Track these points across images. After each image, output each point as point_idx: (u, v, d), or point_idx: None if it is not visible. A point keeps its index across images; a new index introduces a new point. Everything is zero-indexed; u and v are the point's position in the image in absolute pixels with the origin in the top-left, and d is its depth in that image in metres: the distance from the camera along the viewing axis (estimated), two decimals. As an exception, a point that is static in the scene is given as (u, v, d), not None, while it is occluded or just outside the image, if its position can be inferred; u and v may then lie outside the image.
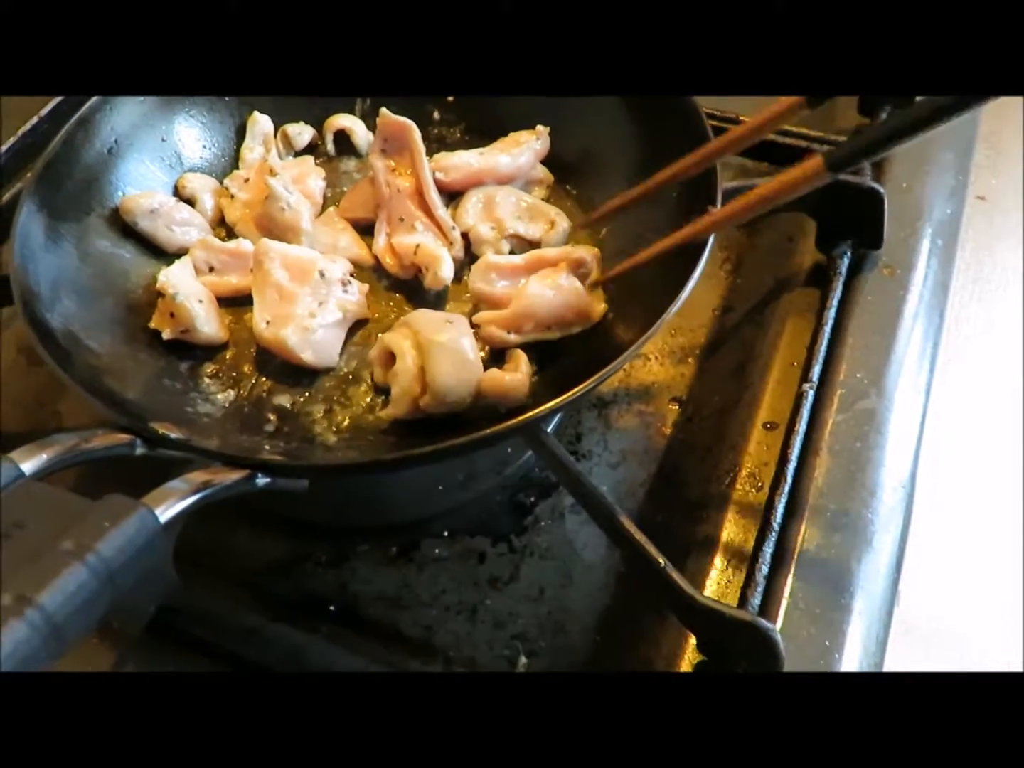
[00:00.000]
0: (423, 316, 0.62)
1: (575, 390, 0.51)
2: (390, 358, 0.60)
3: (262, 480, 0.48)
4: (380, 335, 0.63)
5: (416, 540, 0.66)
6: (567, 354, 0.66)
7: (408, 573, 0.65)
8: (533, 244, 0.70)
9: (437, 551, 0.66)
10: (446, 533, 0.66)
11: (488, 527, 0.66)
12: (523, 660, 0.60)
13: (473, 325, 0.64)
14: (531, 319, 0.64)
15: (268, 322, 0.64)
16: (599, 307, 0.66)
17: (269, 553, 0.66)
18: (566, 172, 0.77)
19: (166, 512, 0.40)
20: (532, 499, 0.68)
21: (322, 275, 0.65)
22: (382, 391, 0.64)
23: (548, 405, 0.51)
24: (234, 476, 0.46)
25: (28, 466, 0.41)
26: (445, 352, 0.58)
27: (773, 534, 0.59)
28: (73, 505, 0.38)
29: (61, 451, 0.43)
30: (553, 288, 0.64)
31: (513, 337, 0.64)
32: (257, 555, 0.66)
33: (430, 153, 0.75)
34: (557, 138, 0.76)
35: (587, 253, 0.67)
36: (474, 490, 0.68)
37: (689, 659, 0.57)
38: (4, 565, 0.35)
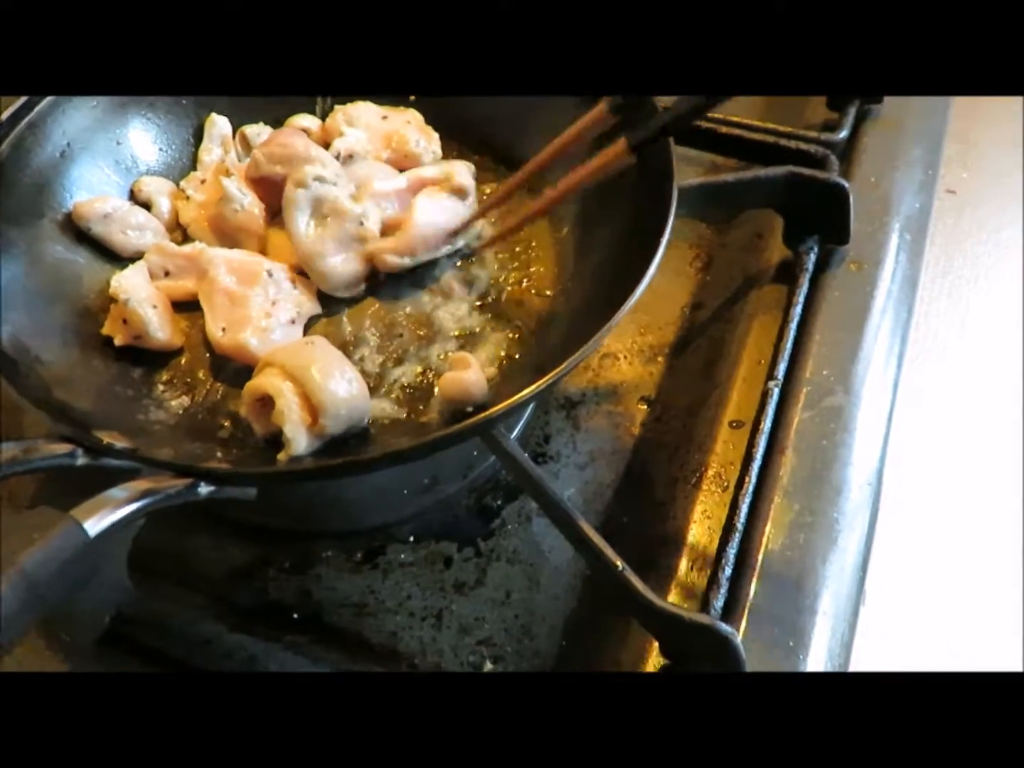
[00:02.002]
0: (281, 350, 0.60)
1: (525, 392, 0.50)
2: (262, 405, 0.58)
3: (205, 489, 0.47)
4: (247, 385, 0.59)
5: (382, 545, 0.65)
6: (530, 354, 0.65)
7: (373, 579, 0.64)
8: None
9: (403, 556, 0.65)
10: (412, 538, 0.65)
11: (454, 531, 0.65)
12: (488, 666, 0.59)
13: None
14: (423, 242, 0.68)
15: (224, 329, 0.63)
16: (479, 222, 0.72)
17: (230, 559, 0.65)
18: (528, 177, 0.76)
19: (97, 525, 0.39)
20: (499, 502, 0.67)
21: (270, 274, 0.65)
22: (270, 443, 0.59)
23: (500, 407, 0.50)
24: (175, 485, 0.45)
25: (-42, 479, 0.40)
26: (321, 370, 0.57)
27: (737, 535, 0.58)
28: (4, 518, 0.37)
29: (-6, 463, 0.42)
30: (440, 211, 0.69)
31: (408, 261, 0.68)
32: (218, 561, 0.65)
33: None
34: (520, 145, 0.75)
35: (465, 174, 0.71)
36: (440, 493, 0.67)
37: (654, 663, 0.56)
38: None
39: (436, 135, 0.77)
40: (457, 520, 0.66)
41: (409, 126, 0.76)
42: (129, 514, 0.41)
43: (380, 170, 0.72)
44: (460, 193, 0.71)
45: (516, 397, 0.49)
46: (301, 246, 0.66)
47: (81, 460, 0.47)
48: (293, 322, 0.65)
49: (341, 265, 0.67)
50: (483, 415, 0.50)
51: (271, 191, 0.70)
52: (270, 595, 0.63)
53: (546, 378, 0.50)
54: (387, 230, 0.69)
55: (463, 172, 0.72)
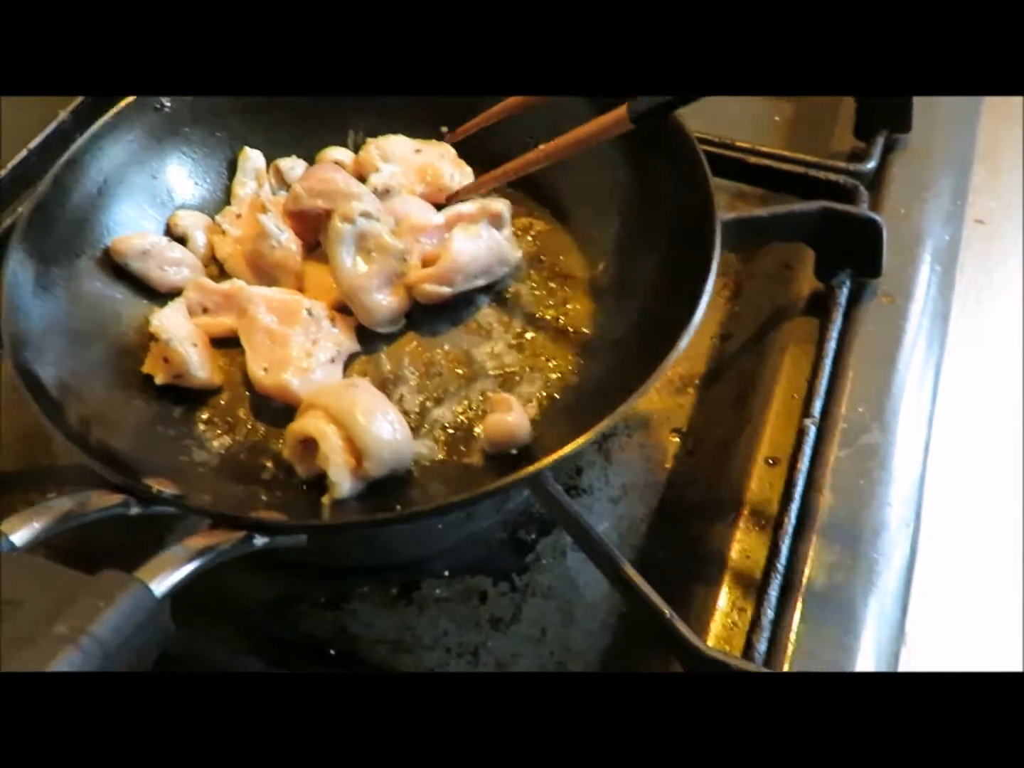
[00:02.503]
0: (324, 391, 0.61)
1: (576, 443, 0.50)
2: (305, 447, 0.59)
3: (260, 540, 0.47)
4: (288, 428, 0.60)
5: (417, 580, 0.65)
6: (571, 394, 0.65)
7: (409, 614, 0.63)
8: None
9: (438, 591, 0.65)
10: (447, 572, 0.65)
11: (489, 566, 0.65)
12: (526, 703, 0.59)
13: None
14: (460, 272, 0.68)
15: (266, 369, 0.63)
16: (516, 252, 0.72)
17: (265, 593, 0.65)
18: (562, 212, 0.76)
19: (162, 585, 0.39)
20: (533, 536, 0.67)
21: (310, 313, 0.65)
22: (312, 485, 0.60)
23: (552, 458, 0.50)
24: (231, 540, 0.45)
25: (19, 537, 0.40)
26: (364, 412, 0.57)
27: (778, 576, 0.58)
28: (67, 581, 0.37)
29: (53, 519, 0.42)
30: (476, 239, 0.69)
31: (446, 290, 0.68)
32: (252, 595, 0.65)
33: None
34: (552, 180, 0.75)
35: (501, 205, 0.72)
36: (474, 527, 0.67)
37: (694, 703, 0.56)
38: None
39: (469, 169, 0.77)
40: (491, 554, 0.66)
41: (443, 160, 0.76)
42: (192, 571, 0.41)
43: (416, 205, 0.73)
44: (496, 220, 0.71)
45: (568, 448, 0.49)
46: (346, 281, 0.66)
47: (134, 510, 0.47)
48: (333, 361, 0.65)
49: (385, 301, 0.67)
50: (535, 467, 0.50)
51: (308, 226, 0.70)
52: (305, 630, 0.63)
53: (598, 427, 0.50)
54: (425, 264, 0.70)
55: (499, 204, 0.72)
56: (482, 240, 0.70)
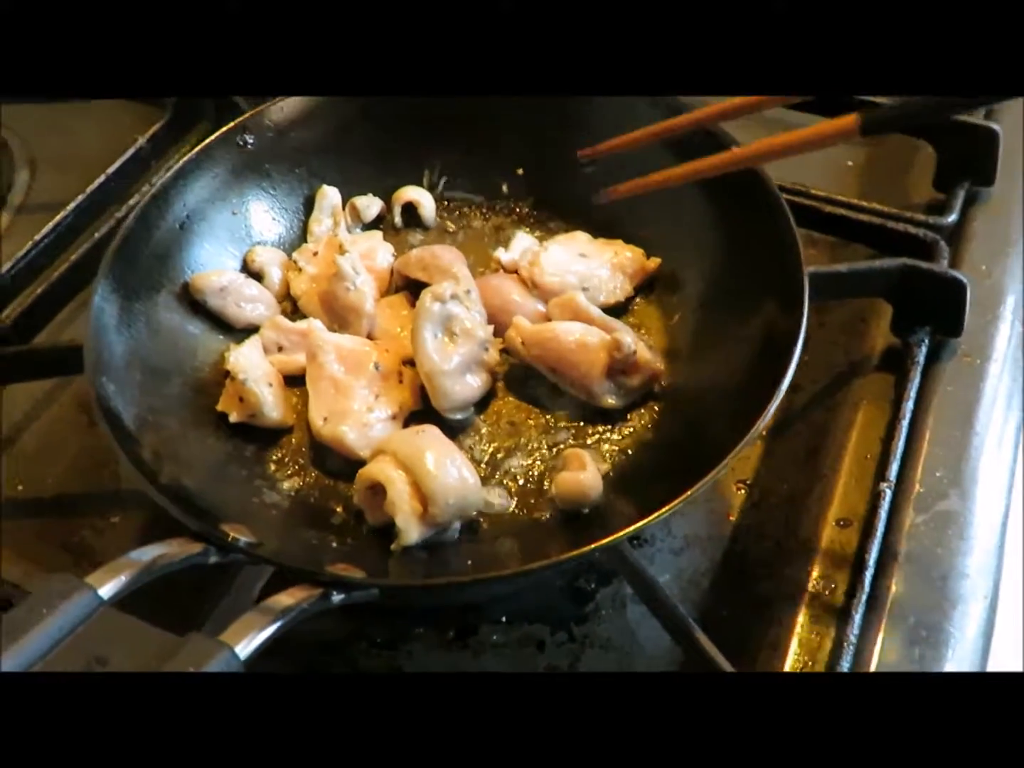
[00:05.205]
0: (394, 438, 0.61)
1: (668, 507, 0.49)
2: (374, 493, 0.59)
3: (337, 597, 0.47)
4: (359, 472, 0.60)
5: (474, 624, 0.64)
6: (645, 451, 0.64)
7: (464, 659, 0.63)
8: None
9: (495, 637, 0.64)
10: (504, 618, 0.64)
11: (547, 614, 0.64)
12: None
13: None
14: (541, 346, 0.65)
15: (326, 419, 0.63)
16: (608, 400, 0.66)
17: (321, 630, 0.64)
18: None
19: (247, 648, 0.39)
20: (592, 585, 0.66)
21: (377, 367, 0.65)
22: (382, 532, 0.60)
23: (632, 528, 0.49)
24: (311, 598, 0.45)
25: (106, 591, 0.40)
26: (432, 459, 0.57)
27: (850, 647, 0.57)
28: (155, 641, 0.37)
29: (138, 571, 0.42)
30: (579, 342, 0.65)
31: (523, 350, 0.66)
32: (308, 632, 0.64)
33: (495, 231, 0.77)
34: (632, 224, 0.75)
35: (634, 342, 0.65)
36: (534, 574, 0.66)
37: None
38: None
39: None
40: (550, 602, 0.65)
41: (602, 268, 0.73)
42: (274, 632, 0.41)
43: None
44: (615, 346, 0.64)
45: (648, 519, 0.49)
46: (427, 362, 0.64)
47: (213, 558, 0.48)
48: (394, 418, 0.65)
49: (459, 386, 0.65)
50: (612, 538, 0.49)
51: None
52: (361, 669, 0.63)
53: (682, 497, 0.50)
54: None
55: (634, 341, 0.65)
56: (584, 349, 0.65)
